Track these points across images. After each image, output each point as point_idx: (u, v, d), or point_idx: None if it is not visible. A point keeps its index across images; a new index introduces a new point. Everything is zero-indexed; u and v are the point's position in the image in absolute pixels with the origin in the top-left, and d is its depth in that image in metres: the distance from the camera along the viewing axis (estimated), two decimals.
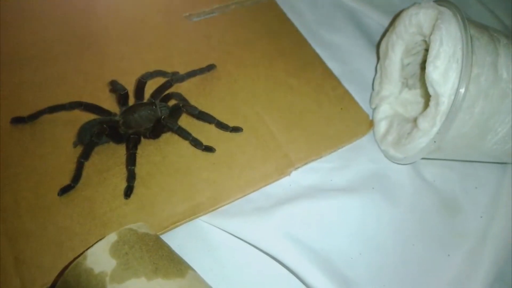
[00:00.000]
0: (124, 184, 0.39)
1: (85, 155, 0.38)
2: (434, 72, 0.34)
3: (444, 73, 0.34)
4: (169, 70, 0.46)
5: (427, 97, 0.38)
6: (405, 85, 0.46)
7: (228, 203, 0.40)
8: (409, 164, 0.43)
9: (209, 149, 0.42)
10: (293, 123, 0.45)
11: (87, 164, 0.39)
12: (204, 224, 0.39)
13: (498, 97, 0.34)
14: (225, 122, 0.43)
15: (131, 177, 0.39)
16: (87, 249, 0.30)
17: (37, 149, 0.41)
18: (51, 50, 0.49)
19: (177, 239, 0.38)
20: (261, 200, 0.40)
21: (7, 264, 0.35)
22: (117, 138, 0.41)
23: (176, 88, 0.45)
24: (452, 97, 0.34)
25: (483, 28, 0.36)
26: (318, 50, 0.52)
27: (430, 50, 0.35)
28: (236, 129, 0.43)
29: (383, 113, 0.46)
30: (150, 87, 0.44)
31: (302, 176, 0.42)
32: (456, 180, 0.43)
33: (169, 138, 0.43)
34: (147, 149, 0.42)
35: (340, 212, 0.40)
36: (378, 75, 0.47)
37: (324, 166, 0.43)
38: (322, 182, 0.42)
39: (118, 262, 0.29)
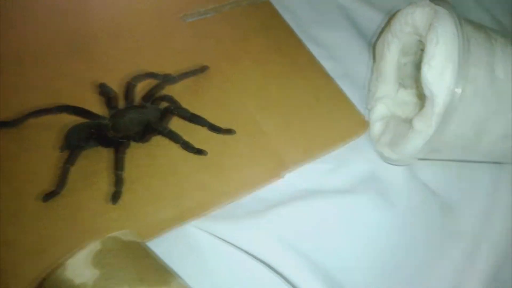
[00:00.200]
0: (111, 189, 0.38)
1: (71, 160, 0.37)
2: (430, 73, 0.34)
3: (439, 73, 0.33)
4: (161, 71, 0.45)
5: (423, 97, 0.37)
6: (401, 85, 0.46)
7: (219, 208, 0.39)
8: (405, 165, 0.42)
9: (200, 152, 0.41)
10: (287, 124, 0.45)
11: (74, 169, 0.38)
12: (194, 229, 0.38)
13: (494, 97, 0.33)
14: (217, 124, 0.42)
15: (119, 182, 0.38)
16: (67, 259, 0.28)
17: (22, 154, 0.40)
18: (37, 52, 0.48)
19: (166, 245, 0.37)
20: (254, 204, 0.40)
21: None
22: (105, 142, 0.40)
23: (167, 90, 0.44)
24: (448, 98, 0.33)
25: (479, 27, 0.36)
26: (313, 50, 0.51)
27: (425, 50, 0.35)
28: (229, 131, 0.43)
29: (379, 113, 0.45)
30: (142, 89, 0.43)
31: (295, 179, 0.42)
32: (451, 180, 0.42)
33: (159, 141, 0.42)
34: (136, 153, 0.41)
35: (334, 215, 0.39)
36: (374, 75, 0.47)
37: (318, 167, 0.43)
38: (316, 184, 0.41)
39: (101, 272, 0.28)
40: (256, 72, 0.49)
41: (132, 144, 0.41)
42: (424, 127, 0.35)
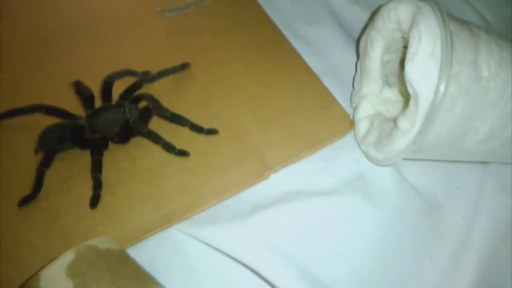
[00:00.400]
0: (90, 193, 0.37)
1: (45, 163, 0.36)
2: (413, 70, 0.33)
3: (423, 71, 0.33)
4: (139, 69, 0.44)
5: (407, 95, 0.36)
6: (386, 83, 0.45)
7: (203, 210, 0.38)
8: (390, 165, 0.42)
9: (182, 153, 0.40)
10: (271, 123, 0.44)
11: (50, 172, 0.37)
12: (177, 233, 0.37)
13: (479, 95, 0.33)
14: (200, 123, 0.41)
15: (97, 185, 0.37)
16: (40, 269, 0.27)
17: None
18: (7, 48, 0.46)
19: (148, 250, 0.36)
20: (238, 206, 0.39)
21: None
22: (82, 143, 0.39)
23: (147, 88, 0.43)
24: (432, 96, 0.33)
25: (463, 23, 0.35)
26: (297, 47, 0.50)
27: (408, 47, 0.34)
28: (212, 131, 0.42)
29: (364, 112, 0.44)
30: (120, 88, 0.42)
31: (280, 179, 0.41)
32: (437, 180, 0.42)
33: (139, 142, 0.41)
34: (115, 155, 0.40)
35: (320, 216, 0.39)
36: (358, 73, 0.46)
37: (304, 168, 0.42)
38: (301, 185, 0.41)
39: (75, 283, 0.27)
40: (239, 69, 0.48)
41: (111, 145, 0.40)
42: (408, 127, 0.35)
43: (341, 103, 0.46)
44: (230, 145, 0.41)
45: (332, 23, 0.55)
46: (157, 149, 0.40)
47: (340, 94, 0.47)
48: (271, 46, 0.50)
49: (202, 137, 0.41)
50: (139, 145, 0.41)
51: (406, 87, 0.35)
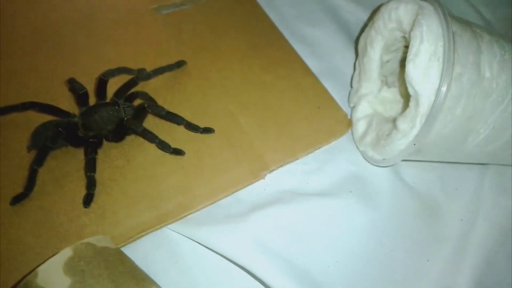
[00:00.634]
0: (83, 192, 0.36)
1: (38, 161, 0.35)
2: (414, 71, 0.33)
3: (424, 72, 0.32)
4: (134, 67, 0.43)
5: (407, 96, 0.36)
6: (385, 83, 0.45)
7: (198, 210, 0.37)
8: (388, 166, 0.42)
9: (177, 152, 0.39)
10: (268, 122, 0.43)
11: (43, 170, 0.36)
12: (171, 233, 0.37)
13: (480, 97, 0.33)
14: (196, 122, 0.40)
15: (90, 184, 0.36)
16: (38, 266, 0.27)
17: None
18: (2, 46, 0.45)
19: (143, 250, 0.36)
20: (234, 206, 0.38)
21: None
22: (75, 141, 0.38)
23: (142, 86, 0.42)
24: (433, 97, 0.32)
25: (465, 24, 0.35)
26: (295, 46, 0.50)
27: (410, 48, 0.33)
28: (207, 130, 0.41)
29: (362, 112, 0.44)
30: (114, 86, 0.41)
31: (277, 180, 0.40)
32: (436, 181, 0.42)
33: (134, 141, 0.40)
34: (109, 153, 0.39)
35: (316, 217, 0.38)
36: (356, 72, 0.46)
37: (300, 168, 0.41)
38: (298, 185, 0.40)
39: (73, 280, 0.27)
40: (236, 68, 0.47)
41: (105, 143, 0.39)
42: (408, 128, 0.34)
43: (339, 103, 0.46)
44: (226, 145, 0.41)
45: (331, 22, 0.54)
46: (152, 148, 0.39)
47: (338, 94, 0.47)
48: (269, 44, 0.50)
49: (197, 136, 0.41)
50: (134, 144, 0.40)
51: (405, 87, 0.35)
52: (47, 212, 0.36)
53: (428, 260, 0.37)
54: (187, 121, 0.40)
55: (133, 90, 0.41)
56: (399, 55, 0.44)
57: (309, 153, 0.42)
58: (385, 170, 0.42)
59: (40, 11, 0.49)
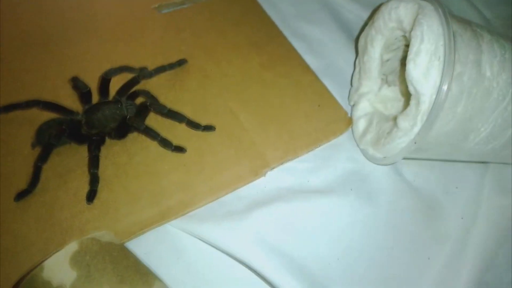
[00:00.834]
0: (86, 188, 0.37)
1: (42, 159, 0.36)
2: (415, 70, 0.33)
3: (425, 71, 0.33)
4: (136, 65, 0.43)
5: (407, 94, 0.36)
6: (385, 81, 0.45)
7: (199, 207, 0.38)
8: (389, 165, 0.42)
9: (179, 149, 0.40)
10: (269, 120, 0.43)
11: (47, 166, 0.37)
12: (173, 229, 0.37)
13: (481, 96, 0.33)
14: (197, 120, 0.41)
15: (94, 180, 0.36)
16: (44, 260, 0.28)
17: None
18: (5, 44, 0.45)
19: (145, 246, 0.36)
20: (235, 203, 0.39)
21: None
22: (79, 139, 0.39)
23: (144, 84, 0.42)
24: (434, 96, 0.32)
25: (465, 23, 0.35)
26: (295, 44, 0.50)
27: (410, 47, 0.34)
28: (208, 128, 0.41)
29: (362, 110, 0.44)
30: (117, 84, 0.41)
31: (277, 177, 0.41)
32: (436, 180, 0.42)
33: (136, 138, 0.41)
34: (112, 150, 0.39)
35: (317, 215, 0.38)
36: (356, 70, 0.46)
37: (301, 166, 0.42)
38: (298, 183, 0.41)
39: (79, 274, 0.27)
40: (237, 66, 0.47)
41: (108, 141, 0.40)
42: (409, 126, 0.34)
43: (339, 101, 0.46)
44: (227, 142, 0.41)
45: (331, 21, 0.54)
46: (154, 145, 0.40)
47: (338, 92, 0.47)
48: (269, 43, 0.50)
49: (199, 134, 0.41)
50: (136, 141, 0.40)
51: (406, 86, 0.35)
52: (50, 207, 0.36)
53: (428, 258, 0.38)
54: (188, 119, 0.40)
55: (135, 88, 0.41)
56: (400, 53, 0.44)
57: (309, 151, 0.42)
58: (386, 168, 0.42)
59: (45, 12, 0.49)
